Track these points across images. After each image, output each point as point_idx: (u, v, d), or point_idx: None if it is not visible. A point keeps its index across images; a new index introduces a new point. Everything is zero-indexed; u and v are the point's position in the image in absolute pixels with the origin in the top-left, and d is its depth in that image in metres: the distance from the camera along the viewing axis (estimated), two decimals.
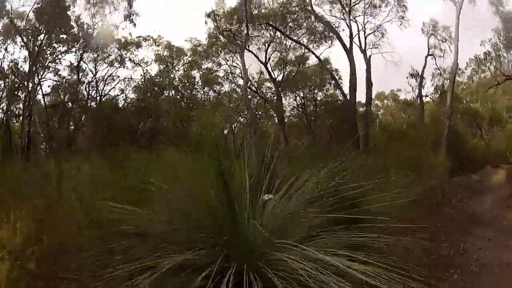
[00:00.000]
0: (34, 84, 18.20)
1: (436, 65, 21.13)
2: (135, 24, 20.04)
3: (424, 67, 21.17)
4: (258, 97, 23.01)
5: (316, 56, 20.73)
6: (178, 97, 23.45)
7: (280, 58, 22.00)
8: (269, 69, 21.65)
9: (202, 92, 23.71)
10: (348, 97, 17.35)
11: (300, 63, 22.63)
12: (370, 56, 18.57)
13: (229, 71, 21.95)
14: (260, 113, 24.90)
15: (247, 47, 19.19)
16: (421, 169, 9.38)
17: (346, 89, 19.51)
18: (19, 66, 18.52)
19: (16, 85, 18.30)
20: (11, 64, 18.24)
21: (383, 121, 26.19)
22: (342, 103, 20.45)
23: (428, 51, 20.93)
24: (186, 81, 23.33)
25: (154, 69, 22.41)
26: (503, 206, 9.38)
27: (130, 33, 21.06)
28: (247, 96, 15.36)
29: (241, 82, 21.00)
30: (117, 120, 19.25)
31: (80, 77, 20.41)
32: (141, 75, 21.91)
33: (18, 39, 18.10)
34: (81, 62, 20.12)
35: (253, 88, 22.27)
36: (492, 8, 18.38)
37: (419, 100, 21.87)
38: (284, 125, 19.94)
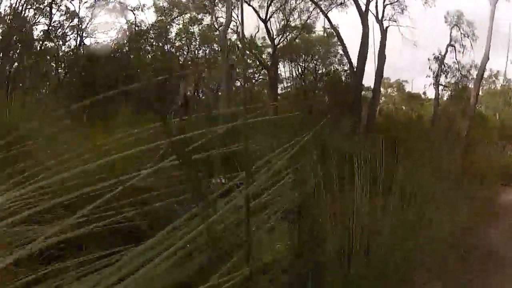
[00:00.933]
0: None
1: (456, 59, 19.96)
2: None
3: (445, 55, 20.04)
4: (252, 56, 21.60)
5: (325, 15, 19.23)
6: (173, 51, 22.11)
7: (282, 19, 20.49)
8: (269, 28, 20.11)
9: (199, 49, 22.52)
10: (355, 69, 15.12)
11: (304, 28, 21.14)
12: (387, 28, 16.92)
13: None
14: (254, 77, 23.95)
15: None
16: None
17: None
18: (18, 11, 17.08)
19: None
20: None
21: (384, 108, 25.28)
22: (345, 82, 19.41)
23: (450, 40, 19.79)
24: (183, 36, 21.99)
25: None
26: None
27: None
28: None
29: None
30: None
31: (78, 23, 18.85)
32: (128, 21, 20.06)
33: None
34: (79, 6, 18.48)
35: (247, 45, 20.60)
36: None
37: (436, 88, 20.45)
38: (276, 93, 18.44)
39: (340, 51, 21.56)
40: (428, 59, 20.21)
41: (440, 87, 20.79)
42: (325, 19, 18.38)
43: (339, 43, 20.99)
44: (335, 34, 17.63)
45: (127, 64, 18.61)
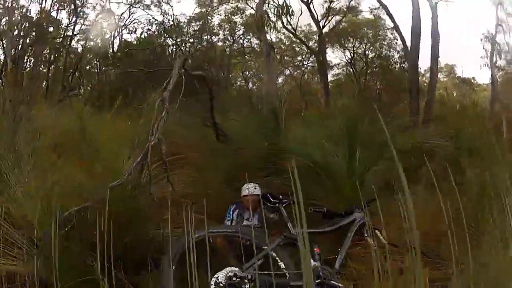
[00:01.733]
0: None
1: (505, 39, 18.29)
2: None
3: (495, 36, 18.26)
4: (298, 41, 20.99)
5: None
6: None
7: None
8: (312, 10, 18.49)
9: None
10: (409, 48, 13.41)
11: (349, 10, 20.16)
12: (436, 4, 15.39)
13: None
14: (305, 64, 23.43)
15: None
16: None
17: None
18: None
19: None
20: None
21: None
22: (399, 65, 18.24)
23: (497, 20, 18.08)
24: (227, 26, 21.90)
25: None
26: None
27: None
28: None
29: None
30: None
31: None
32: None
33: None
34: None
35: (291, 30, 19.74)
36: None
37: (492, 70, 18.61)
38: (326, 80, 17.63)
39: (389, 34, 20.57)
40: (481, 39, 18.55)
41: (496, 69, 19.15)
42: None
43: (387, 25, 19.97)
44: (384, 11, 16.18)
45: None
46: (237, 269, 2.91)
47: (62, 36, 17.32)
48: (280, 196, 3.48)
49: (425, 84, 16.50)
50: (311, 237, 3.31)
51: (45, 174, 3.17)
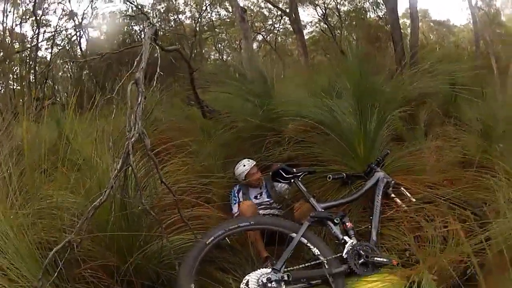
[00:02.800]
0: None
1: None
2: None
3: None
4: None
5: None
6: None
7: None
8: None
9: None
10: None
11: None
12: None
13: None
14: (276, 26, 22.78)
15: None
16: None
17: None
18: None
19: None
20: None
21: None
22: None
23: None
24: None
25: None
26: None
27: None
28: None
29: None
30: None
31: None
32: None
33: None
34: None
35: None
36: None
37: (470, 10, 17.95)
38: (303, 38, 17.00)
39: None
40: None
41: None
42: None
43: None
44: None
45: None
46: (268, 270, 2.41)
47: (28, 48, 16.37)
48: (294, 169, 3.00)
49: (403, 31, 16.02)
50: (339, 209, 2.90)
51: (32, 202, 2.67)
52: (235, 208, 3.71)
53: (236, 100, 4.89)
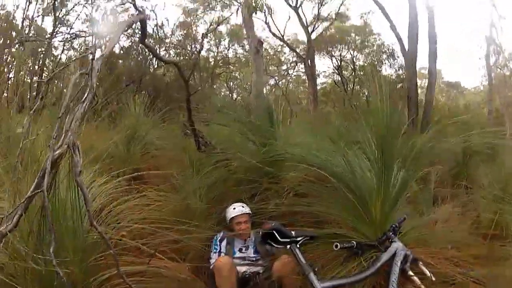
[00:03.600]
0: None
1: (497, 40, 17.43)
2: None
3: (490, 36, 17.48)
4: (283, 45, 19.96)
5: None
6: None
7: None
8: (300, 14, 17.85)
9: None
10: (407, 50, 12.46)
11: (338, 16, 19.43)
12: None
13: None
14: (290, 73, 22.70)
15: None
16: None
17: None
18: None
19: None
20: None
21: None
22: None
23: (492, 21, 17.23)
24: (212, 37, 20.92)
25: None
26: None
27: None
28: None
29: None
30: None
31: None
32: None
33: None
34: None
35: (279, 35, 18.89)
36: None
37: (487, 70, 17.86)
38: (315, 86, 16.75)
39: (378, 41, 19.95)
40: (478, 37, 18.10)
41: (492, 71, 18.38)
42: None
43: (376, 32, 19.38)
44: (377, 14, 15.38)
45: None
46: None
47: (43, 41, 16.06)
48: (292, 232, 2.19)
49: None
50: None
51: None
52: (213, 258, 3.12)
53: (237, 137, 4.31)
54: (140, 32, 2.97)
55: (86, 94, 1.62)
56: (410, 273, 2.35)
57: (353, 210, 2.74)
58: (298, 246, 2.12)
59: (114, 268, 1.90)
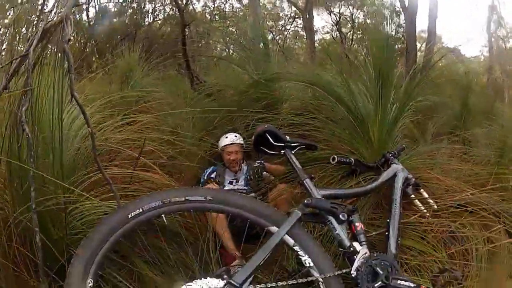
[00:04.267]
0: None
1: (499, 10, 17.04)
2: None
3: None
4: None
5: None
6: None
7: None
8: None
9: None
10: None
11: None
12: None
13: None
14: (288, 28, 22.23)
15: None
16: None
17: None
18: None
19: None
20: None
21: None
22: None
23: None
24: None
25: None
26: None
27: None
28: None
29: None
30: None
31: None
32: None
33: None
34: None
35: None
36: None
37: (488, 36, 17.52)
38: (313, 39, 16.40)
39: None
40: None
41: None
42: None
43: None
44: None
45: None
46: (222, 283, 1.49)
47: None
48: (287, 137, 2.00)
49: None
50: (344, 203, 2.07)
51: None
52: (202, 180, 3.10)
53: (230, 68, 4.18)
54: None
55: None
56: (412, 196, 2.30)
57: (353, 131, 2.67)
58: (293, 152, 1.99)
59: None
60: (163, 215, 1.67)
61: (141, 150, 2.25)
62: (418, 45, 17.02)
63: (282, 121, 3.26)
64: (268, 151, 2.02)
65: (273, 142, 1.97)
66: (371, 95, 2.80)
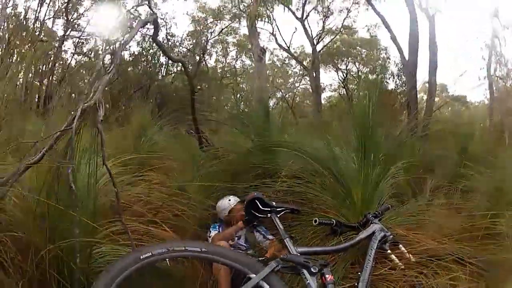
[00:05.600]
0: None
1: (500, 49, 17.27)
2: None
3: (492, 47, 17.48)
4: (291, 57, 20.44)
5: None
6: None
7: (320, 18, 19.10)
8: (306, 26, 18.24)
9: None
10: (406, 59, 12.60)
11: (344, 29, 19.83)
12: (433, 15, 13.93)
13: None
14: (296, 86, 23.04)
15: None
16: None
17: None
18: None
19: None
20: None
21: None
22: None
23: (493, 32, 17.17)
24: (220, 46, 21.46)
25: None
26: None
27: None
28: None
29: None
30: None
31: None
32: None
33: None
34: None
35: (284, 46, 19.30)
36: None
37: (488, 80, 17.82)
38: (319, 100, 17.10)
39: (384, 54, 20.31)
40: (481, 48, 17.18)
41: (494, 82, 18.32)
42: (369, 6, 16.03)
43: (382, 45, 19.76)
44: (382, 26, 15.56)
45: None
46: None
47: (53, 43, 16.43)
48: (274, 203, 2.43)
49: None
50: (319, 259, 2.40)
51: None
52: (212, 233, 3.39)
53: (235, 133, 4.59)
54: (153, 29, 3.37)
55: (111, 67, 2.00)
56: (389, 251, 2.59)
57: (337, 194, 3.00)
58: (278, 216, 2.38)
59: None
60: (167, 259, 2.10)
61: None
62: (422, 95, 17.51)
63: (279, 186, 3.60)
64: (258, 215, 2.42)
65: (261, 207, 2.40)
66: (355, 158, 3.17)
